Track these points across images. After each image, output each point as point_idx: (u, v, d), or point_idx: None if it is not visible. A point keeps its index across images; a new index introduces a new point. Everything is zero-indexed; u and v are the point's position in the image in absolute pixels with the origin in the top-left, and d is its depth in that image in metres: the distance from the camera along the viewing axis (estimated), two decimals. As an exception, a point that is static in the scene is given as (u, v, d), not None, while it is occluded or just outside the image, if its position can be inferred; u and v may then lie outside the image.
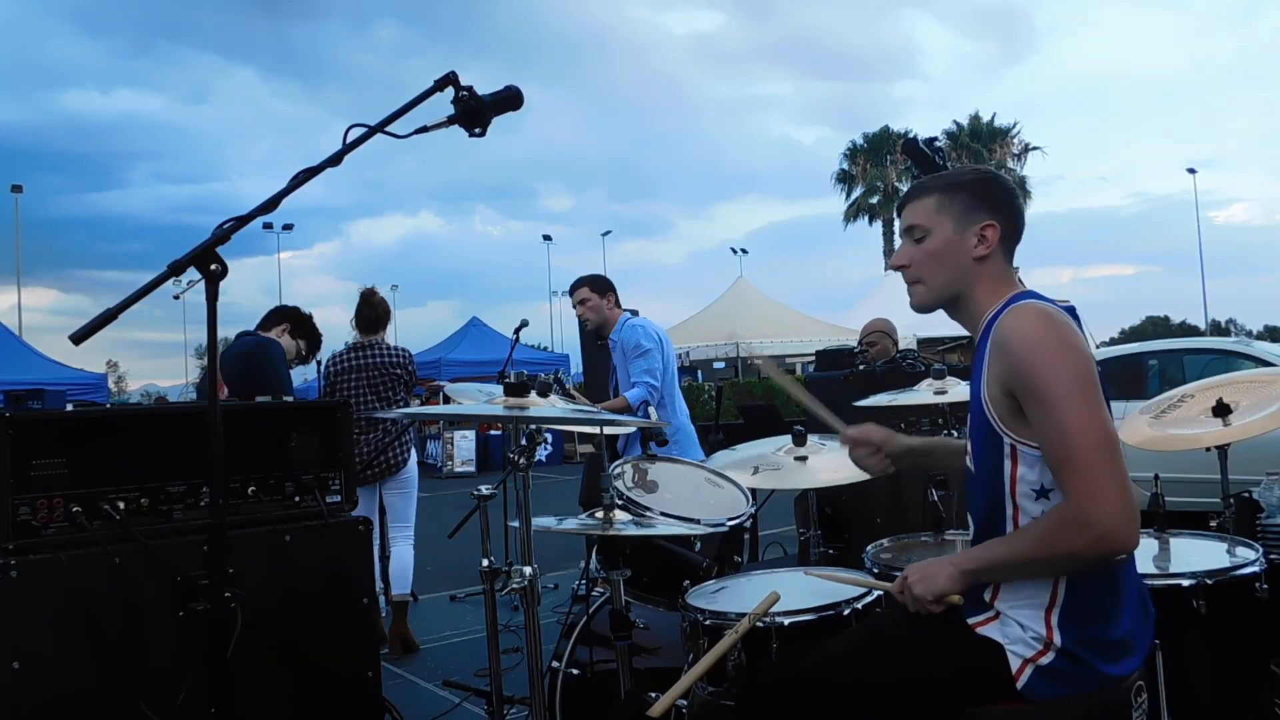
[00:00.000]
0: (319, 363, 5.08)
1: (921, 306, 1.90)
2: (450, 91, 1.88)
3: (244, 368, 4.34)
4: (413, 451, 5.16)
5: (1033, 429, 1.66)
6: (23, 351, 17.14)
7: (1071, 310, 1.79)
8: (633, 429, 4.05)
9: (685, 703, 2.19)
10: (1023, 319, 1.69)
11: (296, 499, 2.59)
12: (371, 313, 5.03)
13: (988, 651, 1.70)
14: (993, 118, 36.13)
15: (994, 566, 1.72)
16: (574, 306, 4.61)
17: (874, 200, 35.53)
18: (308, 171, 1.75)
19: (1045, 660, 1.66)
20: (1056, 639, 1.66)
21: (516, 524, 2.33)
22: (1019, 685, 1.66)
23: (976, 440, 1.80)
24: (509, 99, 1.94)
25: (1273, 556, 2.45)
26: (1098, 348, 9.09)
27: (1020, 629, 1.69)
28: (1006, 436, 1.71)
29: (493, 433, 16.51)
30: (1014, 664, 1.67)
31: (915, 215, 1.87)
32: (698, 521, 2.72)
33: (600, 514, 2.49)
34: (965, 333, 1.90)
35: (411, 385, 5.14)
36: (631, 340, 4.43)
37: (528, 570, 2.31)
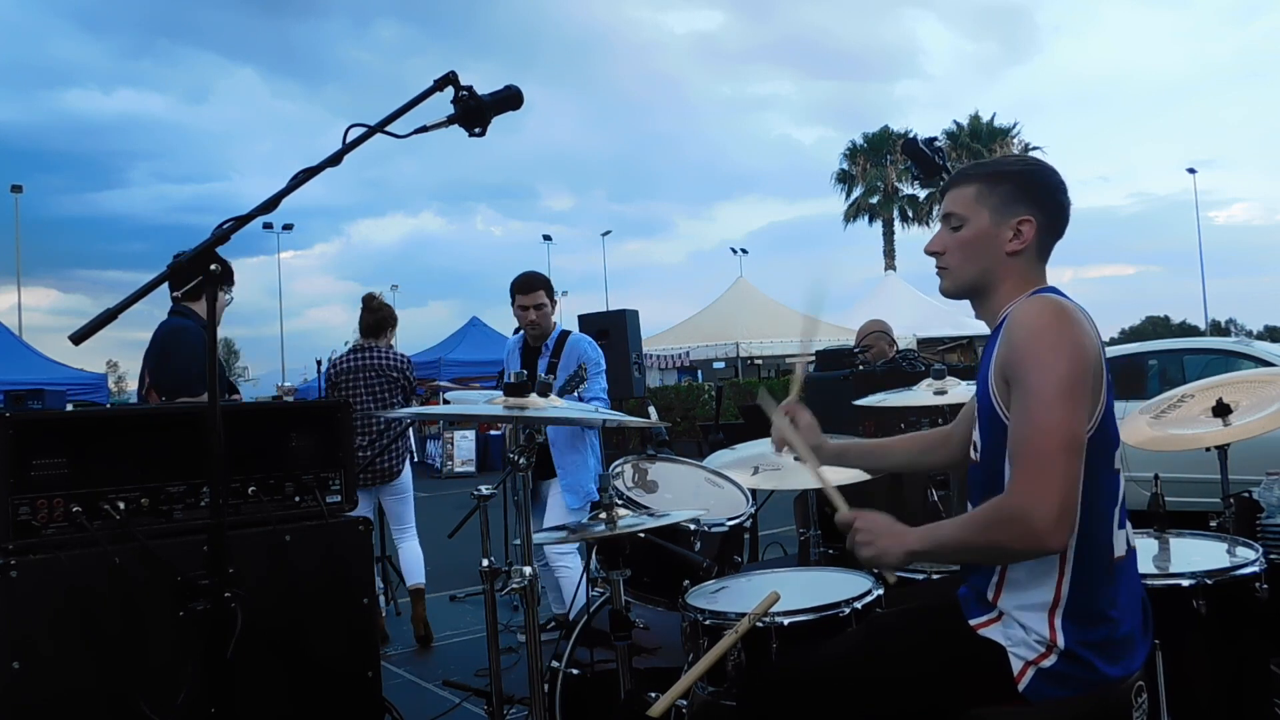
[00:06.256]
0: (318, 362, 5.09)
1: (948, 292, 1.93)
2: (450, 91, 1.88)
3: (154, 353, 3.87)
4: (407, 459, 5.17)
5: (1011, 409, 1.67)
6: (23, 351, 17.13)
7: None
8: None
9: (685, 703, 2.19)
10: (1033, 308, 1.69)
11: (296, 499, 2.59)
12: (372, 318, 5.12)
13: (989, 653, 1.69)
14: (993, 118, 35.94)
15: (937, 548, 1.74)
16: (525, 310, 4.13)
17: (874, 200, 35.44)
18: (308, 171, 1.74)
19: (1047, 663, 1.66)
20: (1060, 641, 1.65)
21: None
22: (1020, 687, 1.66)
23: (983, 429, 1.79)
24: (509, 99, 1.94)
25: (1273, 556, 2.45)
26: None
27: (1023, 631, 1.68)
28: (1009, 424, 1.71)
29: (493, 433, 16.51)
30: (1015, 666, 1.67)
31: (954, 203, 1.87)
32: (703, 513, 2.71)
33: (602, 515, 2.49)
34: (964, 333, 1.91)
35: (410, 391, 5.15)
36: (592, 355, 4.20)
37: (528, 570, 2.31)
